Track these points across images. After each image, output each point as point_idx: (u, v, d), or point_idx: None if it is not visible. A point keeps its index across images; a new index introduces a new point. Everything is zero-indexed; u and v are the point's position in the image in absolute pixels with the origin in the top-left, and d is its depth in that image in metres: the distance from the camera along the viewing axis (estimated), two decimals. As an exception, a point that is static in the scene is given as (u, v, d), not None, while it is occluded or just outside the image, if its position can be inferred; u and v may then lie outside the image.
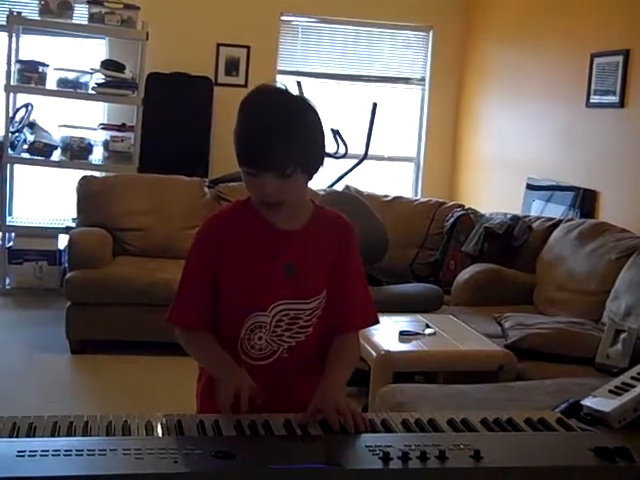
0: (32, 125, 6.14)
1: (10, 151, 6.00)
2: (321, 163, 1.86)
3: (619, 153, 4.94)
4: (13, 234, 6.22)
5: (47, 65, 6.02)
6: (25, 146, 6.07)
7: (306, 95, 1.93)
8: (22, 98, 6.16)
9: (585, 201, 5.18)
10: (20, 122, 6.11)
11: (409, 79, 7.28)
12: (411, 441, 1.59)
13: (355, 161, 6.47)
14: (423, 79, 7.27)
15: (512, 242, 5.18)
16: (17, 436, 1.56)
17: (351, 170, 6.47)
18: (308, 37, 7.08)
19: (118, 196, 5.55)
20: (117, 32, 6.13)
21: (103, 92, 6.07)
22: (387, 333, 3.75)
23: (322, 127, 1.85)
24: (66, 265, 5.45)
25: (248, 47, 6.76)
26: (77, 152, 6.10)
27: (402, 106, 7.31)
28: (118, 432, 1.60)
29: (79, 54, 6.51)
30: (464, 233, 5.50)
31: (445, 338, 3.77)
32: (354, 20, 7.00)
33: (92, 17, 5.99)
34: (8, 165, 6.14)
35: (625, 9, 4.92)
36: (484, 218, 5.48)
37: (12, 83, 5.93)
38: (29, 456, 1.43)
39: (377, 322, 2.01)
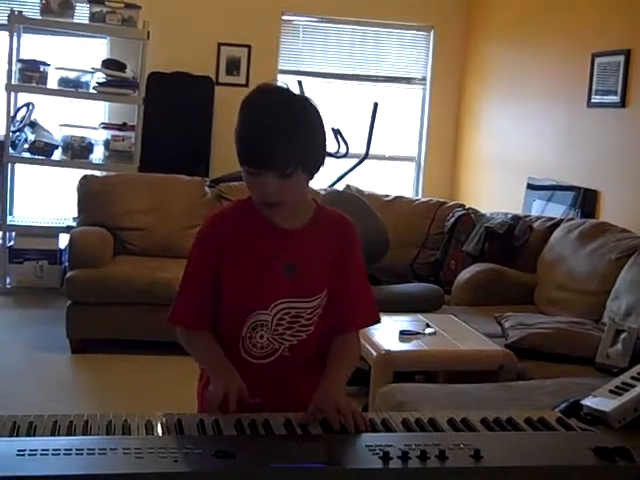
0: (33, 124, 6.15)
1: (11, 150, 6.00)
2: (322, 163, 1.86)
3: (620, 153, 4.94)
4: (14, 233, 6.22)
5: (48, 64, 6.02)
6: (26, 145, 6.07)
7: (307, 95, 1.93)
8: (23, 97, 6.16)
9: (586, 201, 5.18)
10: (21, 121, 6.11)
11: (410, 79, 7.28)
12: (411, 440, 1.59)
13: (356, 161, 6.47)
14: (424, 79, 7.27)
15: (513, 242, 5.18)
16: (17, 435, 1.56)
17: (352, 170, 6.47)
18: (309, 36, 7.08)
19: (119, 195, 5.55)
20: (118, 31, 6.13)
21: (104, 91, 6.07)
22: (387, 333, 3.75)
23: (323, 127, 1.85)
24: (67, 264, 5.45)
25: (249, 46, 6.76)
26: (78, 151, 6.10)
27: (403, 106, 7.31)
28: (118, 431, 1.60)
29: (80, 53, 6.51)
30: (465, 233, 5.50)
31: (445, 338, 3.77)
32: (355, 20, 7.00)
33: (93, 16, 5.99)
34: (9, 164, 6.14)
35: (626, 9, 4.91)
36: (485, 218, 5.48)
37: (13, 82, 5.93)
38: (29, 455, 1.43)
39: (378, 321, 2.01)
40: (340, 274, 1.92)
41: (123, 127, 6.23)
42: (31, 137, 6.08)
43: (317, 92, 6.75)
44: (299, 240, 1.89)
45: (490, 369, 3.53)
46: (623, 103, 4.89)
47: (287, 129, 1.75)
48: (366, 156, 6.49)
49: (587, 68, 5.22)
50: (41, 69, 5.98)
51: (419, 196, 7.02)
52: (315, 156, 1.84)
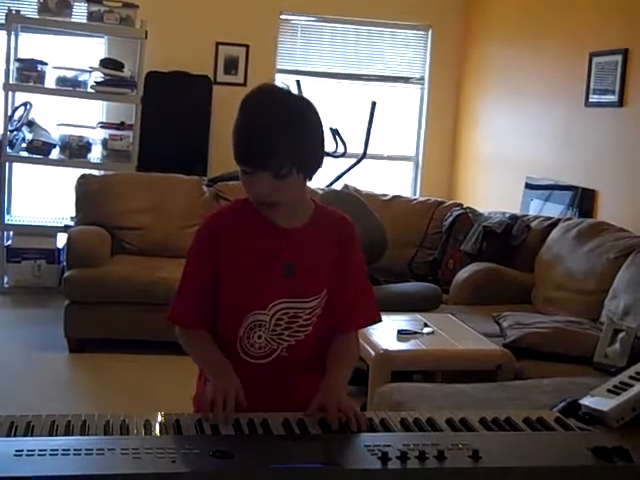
0: (31, 124, 6.13)
1: (9, 150, 5.99)
2: (320, 164, 1.86)
3: (618, 152, 4.94)
4: (12, 233, 6.22)
5: (46, 64, 6.01)
6: (24, 145, 6.06)
7: (305, 94, 1.92)
8: (21, 97, 6.14)
9: (584, 200, 5.18)
10: (19, 121, 6.10)
11: (408, 78, 7.28)
12: (410, 441, 1.59)
13: (354, 160, 6.47)
14: (422, 78, 7.27)
15: (511, 241, 5.18)
16: (15, 435, 1.56)
17: (350, 169, 6.47)
18: (307, 36, 7.08)
19: (117, 195, 5.55)
20: (116, 31, 6.12)
21: (102, 91, 6.06)
22: (386, 332, 3.74)
23: (322, 127, 1.84)
24: (64, 264, 5.45)
25: (247, 46, 6.75)
26: (76, 151, 6.09)
27: (401, 105, 7.31)
28: (116, 431, 1.59)
29: (78, 53, 6.50)
30: (463, 232, 5.51)
31: (443, 337, 3.77)
32: (353, 19, 7.00)
33: (91, 15, 5.98)
34: (7, 164, 6.13)
35: (624, 8, 4.92)
36: (483, 217, 5.48)
37: (11, 82, 5.92)
38: (27, 455, 1.43)
39: (379, 320, 2.01)
40: (340, 274, 1.92)
41: (121, 126, 6.22)
42: (29, 136, 6.07)
43: (315, 91, 6.75)
44: (299, 239, 1.89)
45: (488, 369, 3.53)
46: (621, 102, 4.89)
47: (283, 129, 1.75)
48: (364, 156, 6.49)
49: (585, 67, 5.22)
50: (39, 68, 5.97)
51: (417, 196, 7.01)
52: (312, 157, 1.83)
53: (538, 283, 4.84)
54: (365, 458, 1.53)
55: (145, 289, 4.89)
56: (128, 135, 6.14)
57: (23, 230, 6.17)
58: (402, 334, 3.78)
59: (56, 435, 1.57)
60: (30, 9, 6.13)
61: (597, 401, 2.76)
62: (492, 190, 6.55)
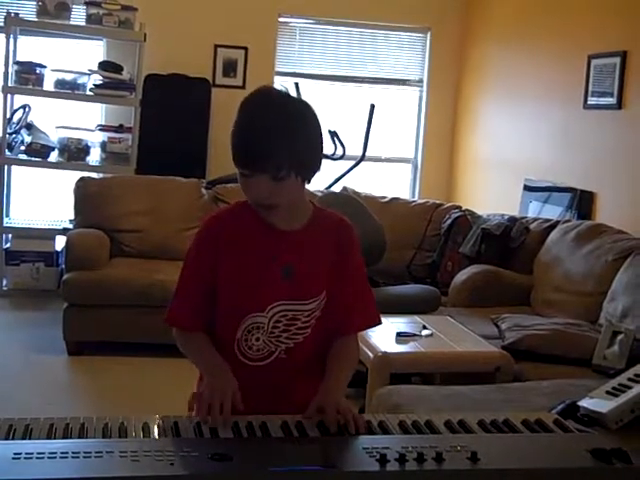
0: (29, 126, 6.14)
1: (7, 152, 5.99)
2: (318, 166, 1.86)
3: (616, 154, 4.95)
4: (10, 235, 6.22)
5: (45, 66, 6.01)
6: (22, 147, 6.06)
7: (304, 97, 1.92)
8: (19, 99, 6.15)
9: (582, 202, 5.18)
10: (17, 123, 6.10)
11: (407, 80, 7.29)
12: (408, 443, 1.59)
13: (353, 162, 6.47)
14: (421, 80, 7.27)
15: (509, 243, 5.18)
16: (13, 438, 1.56)
17: (349, 171, 6.47)
18: (306, 38, 7.08)
19: (115, 197, 5.55)
20: (115, 33, 6.13)
21: (101, 93, 6.06)
22: (384, 334, 3.74)
23: (320, 131, 1.84)
24: (63, 266, 5.44)
25: (246, 48, 6.76)
26: (74, 153, 6.10)
27: (400, 107, 7.31)
28: (115, 434, 1.59)
29: (77, 55, 6.50)
30: (461, 234, 5.51)
31: (442, 339, 3.77)
32: (352, 21, 7.00)
33: (90, 18, 5.99)
34: (5, 166, 6.13)
35: (623, 11, 4.92)
36: (481, 219, 5.48)
37: (9, 84, 5.93)
38: (25, 458, 1.43)
39: (379, 323, 2.00)
40: (339, 276, 1.92)
41: (120, 129, 6.22)
42: (27, 139, 6.07)
43: (314, 94, 6.76)
44: (297, 241, 1.89)
45: (487, 371, 3.53)
46: (619, 105, 4.89)
47: (281, 131, 1.75)
48: (363, 158, 6.49)
49: (583, 70, 5.23)
50: (37, 71, 5.98)
51: (416, 198, 7.02)
52: (310, 159, 1.83)
53: (537, 285, 4.84)
54: (363, 460, 1.53)
55: (144, 292, 4.88)
56: (127, 138, 6.15)
57: (22, 233, 6.17)
58: (401, 336, 3.77)
59: (54, 438, 1.56)
60: (29, 12, 6.13)
61: (596, 403, 2.76)
62: (491, 192, 6.56)
